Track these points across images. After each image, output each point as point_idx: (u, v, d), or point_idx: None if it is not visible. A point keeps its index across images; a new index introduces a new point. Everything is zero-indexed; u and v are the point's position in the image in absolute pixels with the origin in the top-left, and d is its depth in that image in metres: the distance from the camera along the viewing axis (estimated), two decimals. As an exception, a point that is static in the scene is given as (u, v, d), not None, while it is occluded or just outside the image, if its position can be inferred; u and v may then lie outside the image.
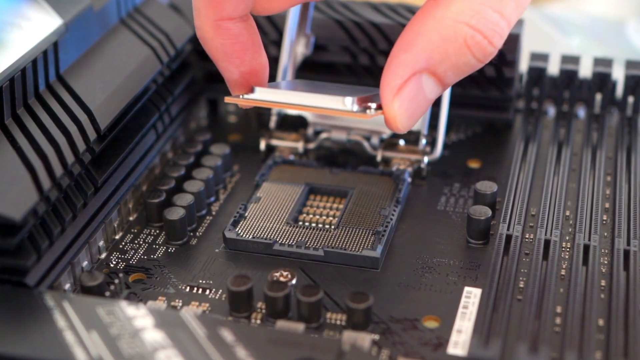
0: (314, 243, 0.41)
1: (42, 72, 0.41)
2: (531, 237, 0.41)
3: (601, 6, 0.76)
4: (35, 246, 0.36)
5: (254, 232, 0.42)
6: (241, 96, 0.39)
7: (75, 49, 0.44)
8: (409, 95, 0.36)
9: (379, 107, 0.37)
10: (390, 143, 0.47)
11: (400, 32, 0.48)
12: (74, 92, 0.41)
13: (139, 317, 0.34)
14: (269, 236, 0.41)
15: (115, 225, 0.43)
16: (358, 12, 0.49)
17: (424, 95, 0.37)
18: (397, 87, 0.36)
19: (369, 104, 0.38)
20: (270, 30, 0.49)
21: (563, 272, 0.39)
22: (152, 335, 0.33)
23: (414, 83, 0.36)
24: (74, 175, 0.39)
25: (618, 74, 0.50)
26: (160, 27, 0.48)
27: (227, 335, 0.33)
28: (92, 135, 0.40)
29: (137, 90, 0.44)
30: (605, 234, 0.41)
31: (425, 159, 0.46)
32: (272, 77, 0.48)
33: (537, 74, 0.50)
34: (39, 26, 0.42)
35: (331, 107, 0.37)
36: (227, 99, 0.39)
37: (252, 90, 0.39)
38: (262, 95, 0.38)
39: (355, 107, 0.37)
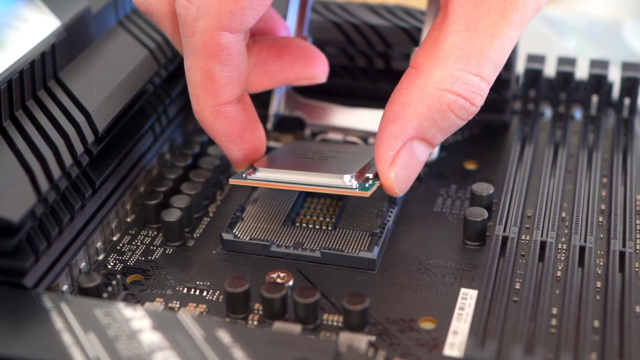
0: (311, 244, 0.41)
1: (39, 74, 0.41)
2: (527, 238, 0.41)
3: (598, 8, 0.76)
4: (33, 248, 0.37)
5: (251, 234, 0.42)
6: (245, 176, 0.41)
7: (72, 50, 0.44)
8: (403, 163, 0.39)
9: (376, 176, 0.40)
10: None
11: (397, 34, 0.49)
12: (72, 94, 0.41)
13: (137, 318, 0.34)
14: (266, 237, 0.41)
15: (113, 227, 0.43)
16: (355, 14, 0.50)
17: (416, 160, 0.39)
18: (391, 158, 0.39)
19: (366, 175, 0.40)
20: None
21: (559, 273, 0.39)
22: (150, 336, 0.33)
23: (406, 151, 0.39)
24: (71, 177, 0.39)
25: (614, 76, 0.50)
26: (157, 29, 0.48)
27: (224, 336, 0.33)
28: (89, 137, 0.40)
29: (134, 91, 0.44)
30: (601, 235, 0.41)
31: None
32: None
33: (534, 76, 0.50)
34: (36, 28, 0.42)
35: (332, 185, 0.40)
36: (231, 181, 0.41)
37: (254, 170, 0.41)
38: (265, 175, 0.41)
39: (355, 184, 0.39)
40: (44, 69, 0.42)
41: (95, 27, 0.46)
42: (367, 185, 0.40)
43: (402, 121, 0.38)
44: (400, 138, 0.38)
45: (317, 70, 0.44)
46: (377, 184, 0.40)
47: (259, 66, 0.42)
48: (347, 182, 0.40)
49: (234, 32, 0.37)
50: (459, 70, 0.37)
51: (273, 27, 0.45)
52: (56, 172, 0.38)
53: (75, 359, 0.32)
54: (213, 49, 0.37)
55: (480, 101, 0.38)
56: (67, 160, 0.38)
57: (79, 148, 0.39)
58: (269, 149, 0.49)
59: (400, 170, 0.39)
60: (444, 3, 0.37)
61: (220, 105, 0.40)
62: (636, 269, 0.39)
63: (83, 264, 0.40)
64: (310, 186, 0.40)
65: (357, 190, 0.39)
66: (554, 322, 0.36)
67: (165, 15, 0.39)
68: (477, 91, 0.37)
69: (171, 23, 0.39)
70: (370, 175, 0.41)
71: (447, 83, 0.37)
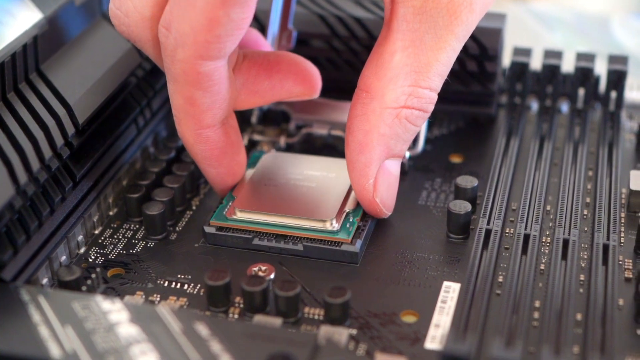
0: (293, 237, 0.41)
1: (21, 66, 0.41)
2: (511, 231, 0.41)
3: (586, 1, 0.76)
4: (11, 240, 0.36)
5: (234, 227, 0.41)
6: (226, 217, 0.41)
7: (55, 43, 0.43)
8: (384, 185, 0.40)
9: (356, 207, 0.41)
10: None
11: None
12: (53, 87, 0.41)
13: (114, 311, 0.34)
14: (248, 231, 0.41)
15: (95, 220, 0.42)
16: (340, 7, 0.49)
17: (394, 176, 0.41)
18: (371, 186, 0.40)
19: (345, 210, 0.41)
20: (253, 25, 0.49)
21: (542, 266, 0.39)
22: (127, 329, 0.33)
23: (383, 174, 0.40)
24: (51, 170, 0.39)
25: (601, 69, 0.50)
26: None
27: (203, 329, 0.33)
28: (70, 129, 0.40)
29: (117, 84, 0.43)
30: (586, 228, 0.41)
31: (407, 154, 0.46)
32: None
33: (520, 69, 0.50)
34: (18, 20, 0.42)
35: (314, 230, 0.40)
36: (212, 222, 0.41)
37: (234, 210, 0.41)
38: (246, 216, 0.41)
39: (336, 226, 0.40)
40: (26, 61, 0.41)
41: (78, 19, 0.45)
42: (347, 225, 0.40)
43: (369, 148, 0.39)
44: (373, 165, 0.39)
45: (309, 87, 0.43)
46: (357, 219, 0.41)
47: (248, 85, 0.42)
48: (328, 227, 0.40)
49: (213, 59, 0.37)
50: (410, 86, 0.38)
51: (255, 45, 0.45)
52: (35, 164, 0.37)
53: (51, 353, 0.32)
54: (193, 77, 0.37)
55: (432, 107, 0.39)
56: (47, 152, 0.38)
57: (59, 140, 0.39)
58: (254, 143, 0.48)
59: (383, 193, 0.40)
60: (388, 19, 0.38)
61: (201, 129, 0.39)
62: (620, 262, 0.39)
63: (64, 258, 0.40)
64: (292, 230, 0.40)
65: (339, 236, 0.40)
66: (536, 315, 0.36)
67: (148, 40, 0.39)
68: (429, 101, 0.39)
69: (153, 48, 0.39)
70: (350, 209, 0.41)
71: (401, 100, 0.38)
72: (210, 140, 0.40)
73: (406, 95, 0.38)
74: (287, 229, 0.40)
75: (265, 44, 0.45)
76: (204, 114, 0.39)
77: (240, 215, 0.41)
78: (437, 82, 0.39)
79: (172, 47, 0.36)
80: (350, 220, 0.41)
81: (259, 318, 0.36)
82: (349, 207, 0.41)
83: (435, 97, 0.39)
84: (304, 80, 0.43)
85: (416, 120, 0.39)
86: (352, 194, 0.42)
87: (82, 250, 0.41)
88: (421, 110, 0.39)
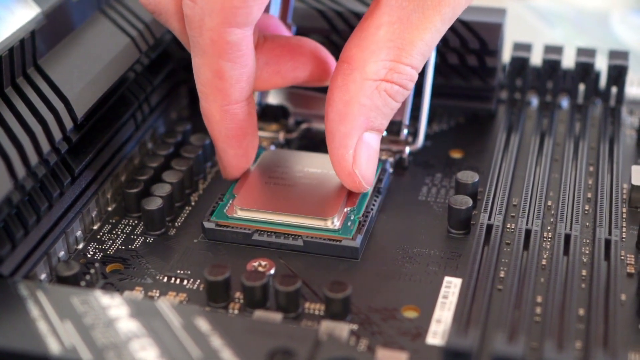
0: (293, 233, 0.40)
1: (19, 61, 0.40)
2: (512, 227, 0.41)
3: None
4: (9, 235, 0.36)
5: (233, 222, 0.41)
6: (227, 215, 0.41)
7: (53, 38, 0.43)
8: (364, 157, 0.40)
9: (358, 207, 0.41)
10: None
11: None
12: (51, 81, 0.41)
13: (114, 306, 0.33)
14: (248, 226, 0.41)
15: (93, 216, 0.42)
16: (339, 2, 0.49)
17: (374, 150, 0.40)
18: (351, 157, 0.39)
19: (346, 209, 0.41)
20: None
21: (544, 262, 0.38)
22: (127, 324, 0.32)
23: (362, 145, 0.39)
24: (49, 165, 0.39)
25: (601, 65, 0.50)
26: (139, 17, 0.47)
27: (203, 324, 0.32)
28: (68, 124, 0.39)
29: (115, 79, 0.43)
30: (587, 223, 0.41)
31: (407, 149, 0.46)
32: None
33: (520, 64, 0.49)
34: (16, 15, 0.42)
35: (316, 228, 0.40)
36: (213, 220, 0.41)
37: (234, 208, 0.41)
38: (248, 215, 0.41)
39: (337, 224, 0.40)
40: (23, 56, 0.41)
41: (76, 14, 0.45)
42: (349, 224, 0.40)
43: (349, 119, 0.39)
44: (353, 135, 0.39)
45: (328, 73, 0.43)
46: (358, 218, 0.40)
47: (271, 65, 0.41)
48: (329, 226, 0.40)
49: (242, 27, 0.37)
50: (391, 61, 0.38)
51: (275, 30, 0.45)
52: (33, 158, 0.37)
53: (50, 348, 0.31)
54: (222, 47, 0.37)
55: (411, 85, 0.39)
56: (45, 147, 0.38)
57: (57, 135, 0.39)
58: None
59: (363, 164, 0.40)
60: None
61: (229, 105, 0.39)
62: (622, 257, 0.39)
63: (62, 253, 0.40)
64: (293, 228, 0.40)
65: (340, 234, 0.40)
66: (538, 310, 0.36)
67: (174, 13, 0.39)
68: (409, 78, 0.39)
69: (179, 21, 0.39)
70: (351, 207, 0.41)
71: (381, 73, 0.38)
72: (236, 117, 0.40)
73: (387, 69, 0.38)
74: (288, 227, 0.40)
75: (285, 31, 0.45)
76: (232, 88, 0.39)
77: (241, 213, 0.41)
78: (419, 61, 0.39)
79: (199, 17, 0.36)
80: (352, 218, 0.40)
81: (259, 313, 0.36)
82: (350, 205, 0.41)
83: (416, 75, 0.39)
84: (325, 66, 0.43)
85: (396, 95, 0.39)
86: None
87: (80, 246, 0.41)
88: (401, 85, 0.39)
